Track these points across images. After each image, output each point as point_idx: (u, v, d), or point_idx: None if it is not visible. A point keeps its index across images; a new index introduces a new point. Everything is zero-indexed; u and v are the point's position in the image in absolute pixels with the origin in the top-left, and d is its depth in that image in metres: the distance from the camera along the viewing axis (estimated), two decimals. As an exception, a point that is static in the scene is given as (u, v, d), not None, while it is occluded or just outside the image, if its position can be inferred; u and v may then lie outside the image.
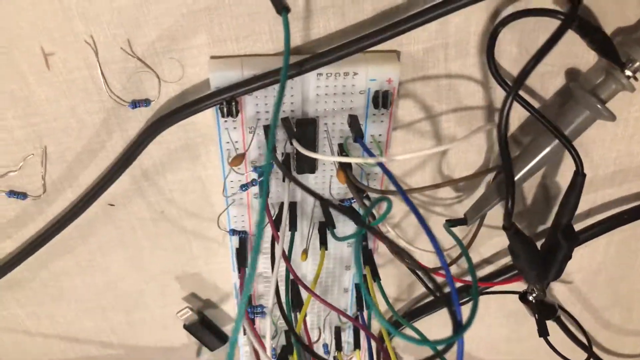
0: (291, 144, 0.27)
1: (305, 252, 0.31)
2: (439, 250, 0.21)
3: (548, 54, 0.25)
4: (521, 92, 0.29)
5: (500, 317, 0.43)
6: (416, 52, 0.29)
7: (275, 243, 0.28)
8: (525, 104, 0.28)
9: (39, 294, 0.36)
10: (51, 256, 0.34)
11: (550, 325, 0.37)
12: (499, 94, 0.31)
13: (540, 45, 0.29)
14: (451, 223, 0.32)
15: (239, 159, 0.28)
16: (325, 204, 0.23)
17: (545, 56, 0.25)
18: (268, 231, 0.33)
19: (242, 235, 0.32)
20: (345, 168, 0.28)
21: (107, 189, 0.31)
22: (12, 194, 0.31)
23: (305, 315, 0.32)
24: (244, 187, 0.29)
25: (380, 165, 0.25)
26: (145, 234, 0.34)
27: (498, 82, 0.28)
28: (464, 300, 0.37)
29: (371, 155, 0.26)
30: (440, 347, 0.22)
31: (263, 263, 0.35)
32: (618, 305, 0.44)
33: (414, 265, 0.20)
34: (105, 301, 0.37)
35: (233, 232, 0.32)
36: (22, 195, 0.31)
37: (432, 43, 0.29)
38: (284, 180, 0.29)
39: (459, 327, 0.21)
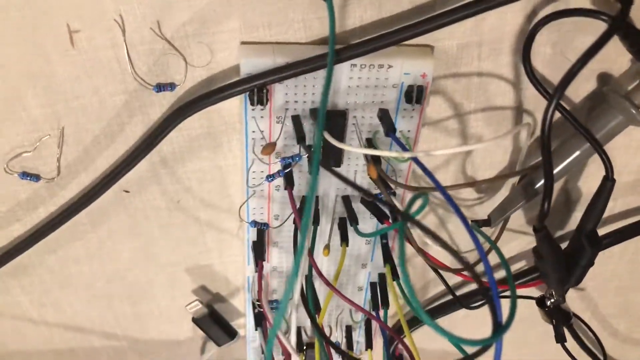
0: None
1: (327, 247, 0.31)
2: (479, 246, 0.21)
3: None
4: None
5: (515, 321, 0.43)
6: (450, 48, 0.28)
7: (299, 235, 0.28)
8: (563, 110, 0.28)
9: (45, 280, 0.35)
10: (60, 242, 0.33)
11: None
12: (529, 94, 0.30)
13: (576, 47, 0.29)
14: (476, 224, 0.31)
15: (271, 147, 0.27)
16: (371, 198, 0.23)
17: (589, 61, 0.24)
18: (285, 226, 0.32)
19: (263, 227, 0.31)
20: (376, 163, 0.27)
21: (124, 175, 0.30)
22: (25, 175, 0.30)
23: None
24: (270, 177, 0.28)
25: (415, 160, 0.25)
26: (158, 223, 0.33)
27: (535, 86, 0.28)
28: (480, 303, 0.37)
29: (405, 149, 0.26)
30: (475, 349, 0.21)
31: (277, 257, 0.34)
32: (626, 315, 0.44)
33: (458, 259, 0.20)
34: (113, 291, 0.36)
35: (255, 223, 0.31)
36: (35, 177, 0.30)
37: (467, 40, 0.28)
38: (310, 173, 0.28)
39: (499, 327, 0.20)
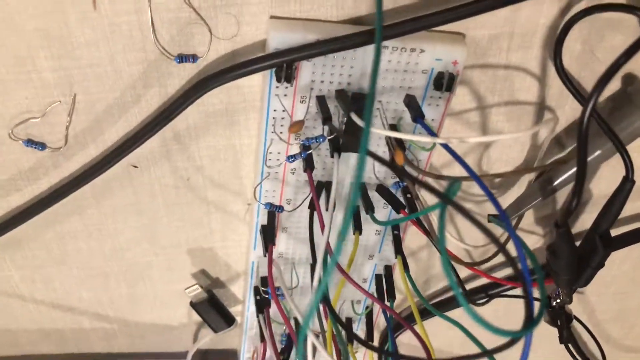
0: (348, 116, 0.26)
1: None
2: (511, 230, 0.20)
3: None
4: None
5: (502, 322, 0.43)
6: (481, 38, 0.28)
7: (317, 221, 0.27)
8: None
9: (40, 256, 0.33)
10: (59, 216, 0.32)
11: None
12: (552, 91, 0.30)
13: (606, 45, 0.28)
14: (490, 219, 0.31)
15: (299, 125, 0.26)
16: (412, 181, 0.22)
17: (626, 62, 0.24)
18: (296, 212, 0.31)
19: (278, 210, 0.30)
20: (403, 149, 0.27)
21: (135, 149, 0.29)
22: (30, 143, 0.28)
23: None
24: (292, 158, 0.27)
25: (445, 146, 0.24)
26: (165, 201, 0.32)
27: (565, 83, 0.27)
28: (484, 300, 0.36)
29: (433, 135, 0.25)
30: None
31: (285, 243, 0.33)
32: (620, 320, 0.44)
33: (494, 241, 0.19)
34: (109, 270, 0.35)
35: (270, 205, 0.30)
36: (41, 146, 0.28)
37: (499, 30, 0.28)
38: (332, 156, 0.27)
39: (531, 321, 0.20)
